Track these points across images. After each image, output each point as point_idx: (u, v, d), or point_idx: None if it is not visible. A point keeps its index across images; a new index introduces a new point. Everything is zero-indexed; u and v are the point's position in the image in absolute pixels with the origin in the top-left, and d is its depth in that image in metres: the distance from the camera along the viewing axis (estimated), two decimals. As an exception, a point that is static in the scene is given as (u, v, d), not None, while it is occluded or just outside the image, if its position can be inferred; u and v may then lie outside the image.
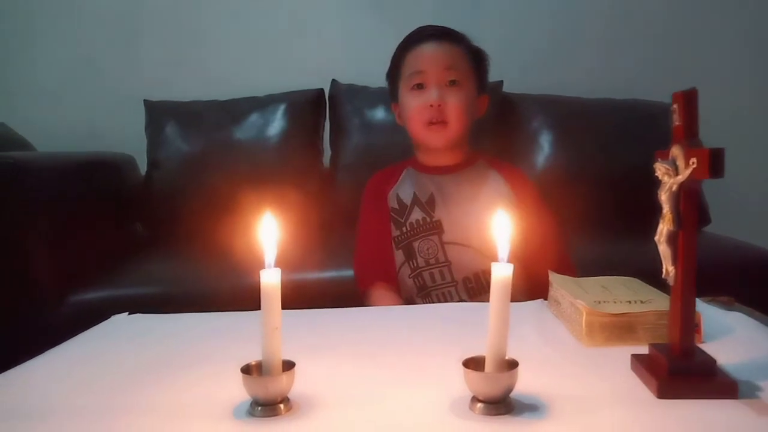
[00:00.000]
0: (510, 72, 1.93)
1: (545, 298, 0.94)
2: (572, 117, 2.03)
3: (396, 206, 1.21)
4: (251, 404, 0.57)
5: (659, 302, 0.77)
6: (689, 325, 0.59)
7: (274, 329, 0.56)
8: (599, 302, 0.77)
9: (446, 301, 1.13)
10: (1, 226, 1.41)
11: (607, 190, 1.87)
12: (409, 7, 2.23)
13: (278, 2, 2.27)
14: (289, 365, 0.58)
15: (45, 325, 1.37)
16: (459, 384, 0.57)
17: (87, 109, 2.26)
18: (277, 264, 0.58)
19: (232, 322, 0.90)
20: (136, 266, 1.64)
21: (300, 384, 0.58)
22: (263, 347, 0.57)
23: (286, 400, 0.58)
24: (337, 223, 1.91)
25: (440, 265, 1.14)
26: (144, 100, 2.06)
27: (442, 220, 1.17)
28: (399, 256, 1.18)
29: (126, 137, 2.09)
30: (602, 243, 1.65)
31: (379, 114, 1.99)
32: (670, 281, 0.60)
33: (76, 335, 0.86)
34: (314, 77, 2.09)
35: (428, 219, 1.17)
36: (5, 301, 1.39)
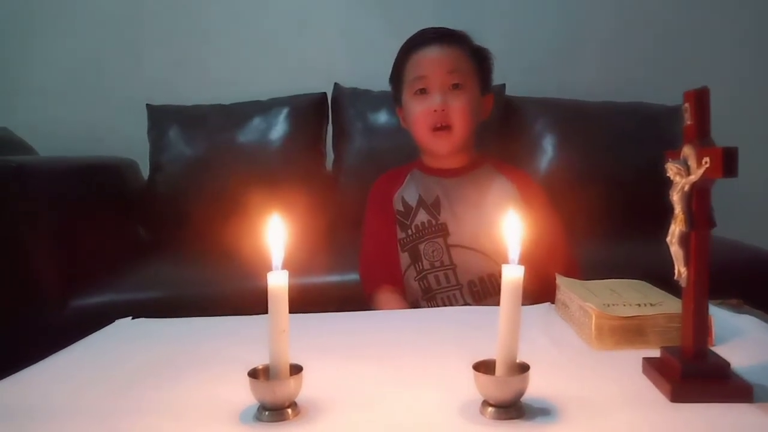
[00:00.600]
0: (512, 75, 1.92)
1: (552, 302, 0.93)
2: (575, 120, 2.03)
3: (401, 209, 1.20)
4: (258, 409, 0.56)
5: (669, 305, 0.76)
6: (702, 327, 0.59)
7: (281, 332, 0.55)
8: (608, 305, 0.76)
9: (451, 304, 1.12)
10: (4, 230, 1.40)
11: (610, 193, 1.86)
12: (411, 11, 2.23)
13: (281, 6, 2.27)
14: (296, 369, 0.57)
15: (47, 329, 1.36)
16: (469, 388, 0.56)
17: (89, 113, 2.26)
18: (283, 267, 0.57)
19: (237, 325, 0.90)
20: (138, 270, 1.63)
21: (308, 388, 0.57)
22: (270, 350, 0.56)
23: (293, 404, 0.57)
24: (341, 226, 1.91)
25: (445, 268, 1.14)
26: (146, 104, 2.05)
27: (448, 223, 1.16)
28: (405, 258, 1.18)
29: (128, 141, 2.09)
30: (606, 246, 1.65)
31: (382, 117, 1.99)
32: (683, 283, 0.59)
33: (78, 340, 0.85)
34: (317, 81, 2.09)
35: (434, 221, 1.17)
36: (7, 305, 1.38)
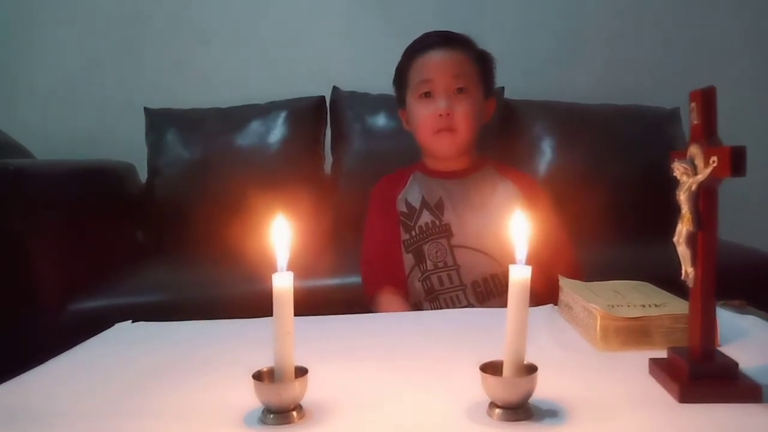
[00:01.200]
0: (511, 78, 1.92)
1: (555, 303, 0.93)
2: (573, 123, 2.03)
3: (405, 210, 1.21)
4: (263, 411, 0.56)
5: (674, 306, 0.75)
6: (710, 327, 0.58)
7: (286, 334, 0.55)
8: (613, 306, 0.76)
9: (454, 305, 1.13)
10: (2, 234, 1.39)
11: (609, 196, 1.86)
12: (411, 14, 2.23)
13: (279, 9, 2.27)
14: (301, 371, 0.56)
15: (45, 334, 1.35)
16: (475, 389, 0.56)
17: (86, 116, 2.25)
18: (287, 269, 0.57)
19: (240, 328, 0.89)
20: (136, 274, 1.62)
21: (313, 391, 0.57)
22: (275, 353, 0.55)
23: (298, 407, 0.56)
24: (340, 230, 1.90)
25: (448, 268, 1.14)
26: (144, 107, 2.05)
27: (451, 224, 1.16)
28: (409, 259, 1.18)
29: (126, 145, 2.08)
30: (606, 248, 1.64)
31: (381, 120, 1.99)
32: (690, 283, 0.59)
33: (77, 344, 0.85)
34: (315, 84, 2.09)
35: (437, 222, 1.17)
36: (6, 309, 1.37)
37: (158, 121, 2.03)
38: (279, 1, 2.27)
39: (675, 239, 0.59)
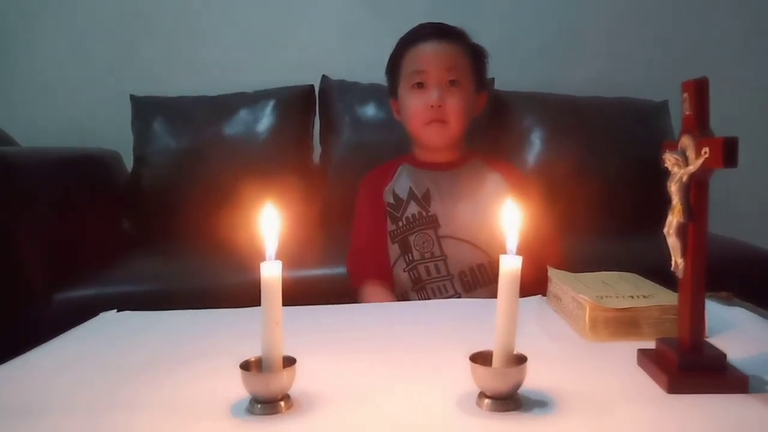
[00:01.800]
0: (501, 70, 1.91)
1: (544, 294, 0.93)
2: (563, 115, 2.03)
3: (392, 201, 1.20)
4: (250, 402, 0.55)
5: (662, 297, 0.76)
6: (699, 318, 0.58)
7: (275, 323, 0.54)
8: (602, 297, 0.76)
9: (441, 294, 1.13)
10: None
11: (597, 187, 1.87)
12: (401, 4, 2.20)
13: (268, -3, 2.24)
14: (289, 361, 0.56)
15: (31, 323, 1.33)
16: (465, 380, 0.55)
17: (71, 104, 2.21)
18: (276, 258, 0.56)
19: (226, 318, 0.88)
20: (123, 263, 1.60)
21: (301, 381, 0.56)
22: (263, 342, 0.55)
23: (286, 397, 0.56)
24: (328, 220, 1.89)
25: (435, 258, 1.14)
26: (130, 95, 2.02)
27: (438, 215, 1.16)
28: (394, 250, 1.17)
29: (110, 132, 2.05)
30: (595, 239, 1.65)
31: (370, 110, 1.97)
32: (679, 274, 0.59)
33: (62, 333, 0.83)
34: (304, 73, 2.06)
35: (424, 213, 1.17)
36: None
37: (144, 109, 2.00)
38: (268, -12, 2.24)
39: (665, 230, 0.59)
